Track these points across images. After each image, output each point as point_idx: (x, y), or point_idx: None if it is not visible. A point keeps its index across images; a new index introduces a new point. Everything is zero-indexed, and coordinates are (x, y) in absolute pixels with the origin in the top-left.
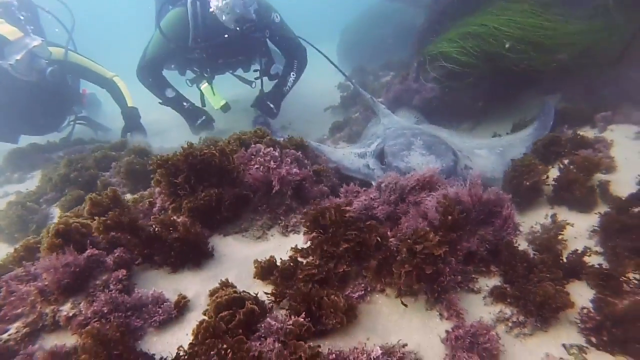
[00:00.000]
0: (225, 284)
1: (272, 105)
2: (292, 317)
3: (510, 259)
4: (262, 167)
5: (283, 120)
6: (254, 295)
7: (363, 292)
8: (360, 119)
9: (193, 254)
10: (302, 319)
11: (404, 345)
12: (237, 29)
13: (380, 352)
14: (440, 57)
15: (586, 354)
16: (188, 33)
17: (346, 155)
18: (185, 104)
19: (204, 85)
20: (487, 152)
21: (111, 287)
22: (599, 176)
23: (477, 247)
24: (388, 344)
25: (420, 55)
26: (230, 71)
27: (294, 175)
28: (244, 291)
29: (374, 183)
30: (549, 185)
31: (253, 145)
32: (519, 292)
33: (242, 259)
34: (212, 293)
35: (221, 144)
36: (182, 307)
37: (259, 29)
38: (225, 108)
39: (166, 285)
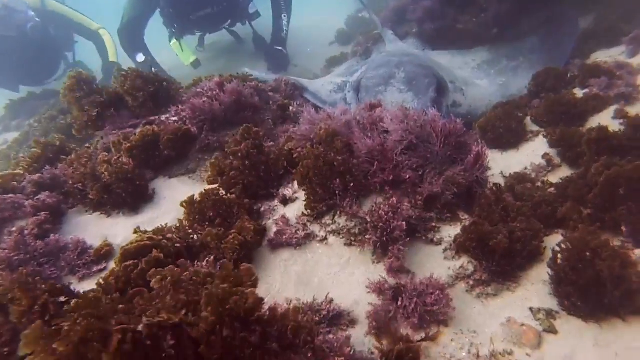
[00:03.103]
0: (140, 232)
1: (282, 49)
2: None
3: (483, 205)
4: (205, 97)
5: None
6: (171, 239)
7: (302, 234)
8: (361, 51)
9: (131, 197)
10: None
11: (330, 302)
12: None
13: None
14: None
15: (555, 319)
16: None
17: (325, 86)
18: (153, 68)
19: (173, 42)
20: (487, 83)
21: (25, 232)
22: (615, 109)
23: (442, 190)
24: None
25: None
26: (226, 27)
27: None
28: (163, 237)
29: None
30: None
31: (202, 83)
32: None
33: (185, 200)
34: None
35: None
36: (103, 255)
37: None
38: (196, 64)
39: (96, 230)
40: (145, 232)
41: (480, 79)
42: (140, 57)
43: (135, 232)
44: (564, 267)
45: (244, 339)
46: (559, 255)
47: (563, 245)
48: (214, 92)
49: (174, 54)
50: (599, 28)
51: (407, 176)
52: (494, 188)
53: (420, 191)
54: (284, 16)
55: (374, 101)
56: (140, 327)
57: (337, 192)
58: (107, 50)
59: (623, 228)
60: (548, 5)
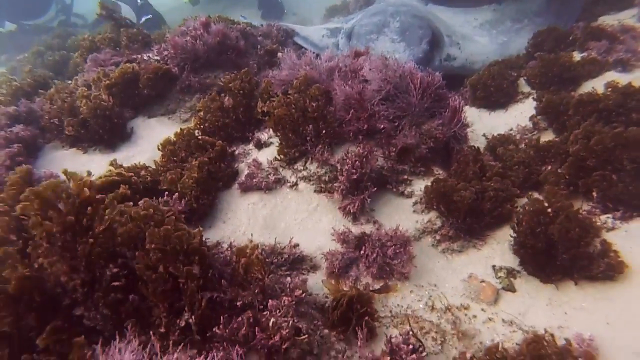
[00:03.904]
0: (115, 165)
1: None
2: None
3: (460, 161)
4: (189, 37)
5: (285, 3)
6: (143, 177)
7: (272, 179)
8: (362, 1)
9: (108, 134)
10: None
11: (295, 246)
12: None
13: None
14: None
15: (515, 278)
16: None
17: (317, 30)
18: (139, 0)
19: None
20: (487, 40)
21: None
22: (611, 75)
23: (417, 142)
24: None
25: None
26: None
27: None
28: (134, 174)
29: None
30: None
31: (187, 21)
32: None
33: (160, 141)
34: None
35: None
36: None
37: None
38: (194, 2)
39: (71, 165)
40: (121, 166)
41: (481, 37)
42: None
43: (111, 164)
44: (525, 230)
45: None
46: (522, 218)
47: (526, 207)
48: (198, 32)
49: None
50: None
51: (382, 126)
52: (473, 147)
53: (395, 142)
54: None
55: (361, 49)
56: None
57: (309, 138)
58: None
59: (594, 194)
60: None
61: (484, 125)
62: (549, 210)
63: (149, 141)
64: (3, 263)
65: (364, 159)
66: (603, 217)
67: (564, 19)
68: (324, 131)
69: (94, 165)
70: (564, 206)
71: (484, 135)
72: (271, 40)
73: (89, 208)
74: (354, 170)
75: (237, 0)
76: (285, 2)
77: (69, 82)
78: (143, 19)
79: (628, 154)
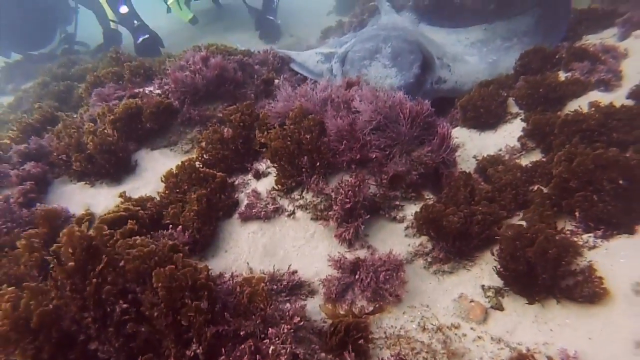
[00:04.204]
0: (124, 198)
1: (273, 19)
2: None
3: (451, 186)
4: (188, 71)
5: (280, 25)
6: (148, 209)
7: (271, 208)
8: (356, 22)
9: (113, 168)
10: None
11: (293, 273)
12: None
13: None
14: None
15: (503, 297)
16: None
17: (312, 56)
18: (135, 21)
19: (171, 1)
20: (477, 60)
21: (11, 201)
22: (594, 94)
23: (408, 169)
24: (276, 270)
25: None
26: None
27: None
28: (141, 207)
29: None
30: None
31: (187, 53)
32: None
33: (163, 173)
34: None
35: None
36: (84, 223)
37: None
38: (194, 21)
39: (79, 199)
40: (130, 198)
41: (471, 55)
42: (124, 9)
43: (121, 196)
44: (505, 255)
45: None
46: (501, 243)
47: (505, 233)
48: (197, 66)
49: (168, 21)
50: (594, 9)
51: (374, 155)
52: (463, 172)
53: (386, 170)
54: None
55: (353, 78)
56: None
57: (304, 169)
58: (108, 17)
59: (577, 214)
60: None
61: (474, 145)
62: (527, 234)
63: (153, 173)
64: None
65: (357, 189)
66: (585, 237)
67: (550, 38)
68: (318, 163)
69: (101, 198)
70: (541, 229)
71: (474, 157)
72: (267, 67)
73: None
74: (347, 200)
75: (236, 21)
76: (281, 23)
77: (75, 115)
78: (140, 39)
79: (607, 175)
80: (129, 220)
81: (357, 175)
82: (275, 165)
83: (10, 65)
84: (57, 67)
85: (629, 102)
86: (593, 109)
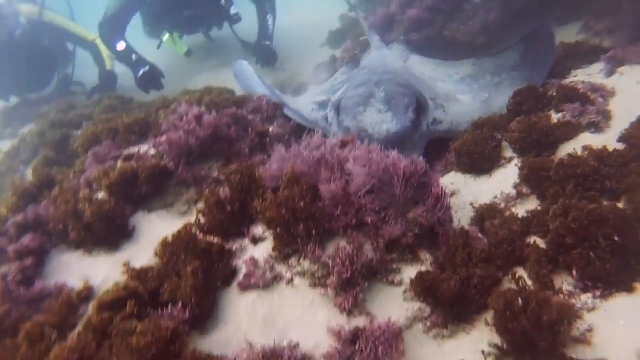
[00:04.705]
0: (127, 268)
1: (269, 44)
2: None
3: (446, 247)
4: (182, 132)
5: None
6: (147, 284)
7: (269, 276)
8: (348, 58)
9: (109, 234)
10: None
11: (294, 347)
12: None
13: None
14: None
15: None
16: None
17: (306, 104)
18: (133, 55)
19: (165, 36)
20: (470, 98)
21: (8, 279)
22: (585, 136)
23: (404, 231)
24: (276, 344)
25: None
26: (204, 30)
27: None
28: (140, 282)
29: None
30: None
31: (180, 107)
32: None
33: (162, 237)
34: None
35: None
36: (83, 298)
37: None
38: (189, 53)
39: (77, 269)
40: (130, 269)
41: (463, 93)
42: (121, 45)
43: (124, 265)
44: (497, 328)
45: None
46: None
47: (498, 300)
48: (191, 126)
49: (160, 57)
50: (580, 44)
51: (369, 219)
52: (461, 232)
53: (382, 233)
54: (269, 16)
55: (347, 136)
56: None
57: (300, 237)
58: (104, 59)
59: (574, 272)
60: (535, 15)
61: (469, 192)
62: (518, 301)
63: (150, 237)
64: None
65: (354, 257)
66: (583, 297)
67: (537, 71)
68: (313, 230)
69: (100, 266)
70: (533, 292)
71: (471, 203)
72: (262, 114)
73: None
74: (344, 270)
75: (229, 56)
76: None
77: (70, 174)
78: (141, 71)
79: (602, 231)
80: (128, 301)
81: (353, 240)
82: (271, 232)
83: (8, 109)
84: (56, 113)
85: (620, 145)
86: (586, 152)
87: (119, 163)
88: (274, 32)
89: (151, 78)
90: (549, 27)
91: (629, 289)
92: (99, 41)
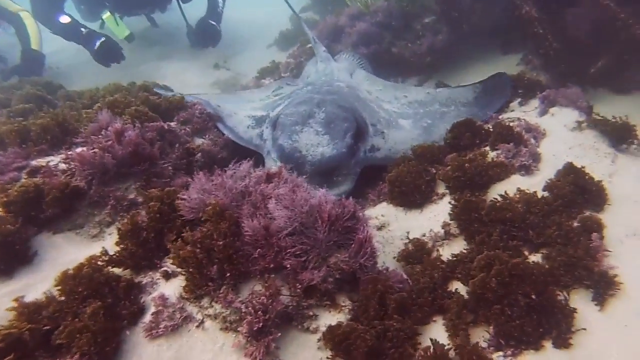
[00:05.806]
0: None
1: (216, 25)
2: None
3: (365, 296)
4: (97, 149)
5: (217, 57)
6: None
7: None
8: (293, 64)
9: (3, 259)
10: None
11: None
12: None
13: None
14: None
15: None
16: None
17: (243, 121)
18: (83, 29)
19: (106, 15)
20: (411, 125)
21: None
22: (516, 178)
23: (324, 277)
24: None
25: None
26: (147, 11)
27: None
28: (34, 319)
29: (265, 156)
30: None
31: (100, 116)
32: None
33: (67, 264)
34: None
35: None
36: None
37: None
38: (130, 38)
39: None
40: (23, 305)
41: (406, 118)
42: (65, 19)
43: (16, 300)
44: None
45: None
46: None
47: None
48: (109, 143)
49: None
50: (522, 77)
51: (289, 263)
52: (374, 280)
53: (301, 278)
54: None
55: (274, 169)
56: None
57: (212, 279)
58: (29, 35)
59: (491, 328)
60: (480, 43)
61: (399, 226)
62: None
63: (54, 265)
64: None
65: (269, 306)
66: (495, 356)
67: (486, 110)
68: (228, 273)
69: None
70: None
71: (401, 238)
72: (192, 125)
73: None
74: (256, 320)
75: (171, 47)
76: (220, 54)
77: None
78: (97, 43)
79: (522, 289)
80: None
81: (269, 287)
82: (184, 272)
83: None
84: None
85: (546, 194)
86: (518, 195)
87: (23, 176)
88: (223, 10)
89: (110, 49)
90: (507, 75)
91: (537, 347)
92: (25, 14)
